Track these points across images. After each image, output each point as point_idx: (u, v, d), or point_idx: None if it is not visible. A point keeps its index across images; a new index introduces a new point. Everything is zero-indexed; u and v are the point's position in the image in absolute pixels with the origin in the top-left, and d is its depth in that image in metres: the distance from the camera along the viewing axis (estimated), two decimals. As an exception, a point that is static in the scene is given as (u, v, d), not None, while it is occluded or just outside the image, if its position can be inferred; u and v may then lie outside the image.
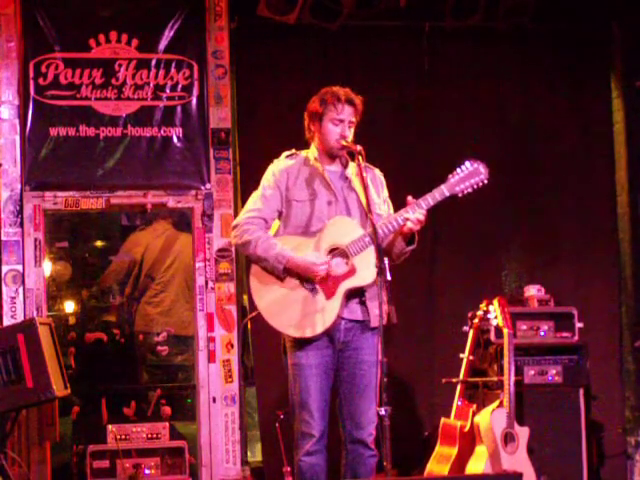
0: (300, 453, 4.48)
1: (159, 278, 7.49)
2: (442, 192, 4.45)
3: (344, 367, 4.52)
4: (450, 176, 4.47)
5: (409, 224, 4.40)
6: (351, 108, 4.52)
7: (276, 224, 4.61)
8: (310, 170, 4.59)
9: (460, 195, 4.47)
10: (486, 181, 4.48)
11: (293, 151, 4.68)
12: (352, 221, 4.49)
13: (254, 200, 4.62)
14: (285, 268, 4.43)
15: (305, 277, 4.42)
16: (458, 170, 4.47)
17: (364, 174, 4.40)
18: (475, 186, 4.47)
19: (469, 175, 4.47)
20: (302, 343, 4.46)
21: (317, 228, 4.50)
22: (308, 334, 4.41)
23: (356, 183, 4.52)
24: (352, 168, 4.58)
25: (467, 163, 4.49)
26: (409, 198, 4.45)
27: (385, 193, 4.70)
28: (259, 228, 4.53)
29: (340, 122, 4.52)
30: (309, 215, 4.52)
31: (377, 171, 4.73)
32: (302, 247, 4.48)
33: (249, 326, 6.38)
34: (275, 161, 4.68)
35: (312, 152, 4.63)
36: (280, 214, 4.60)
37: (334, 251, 4.45)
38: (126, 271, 7.60)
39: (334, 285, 4.41)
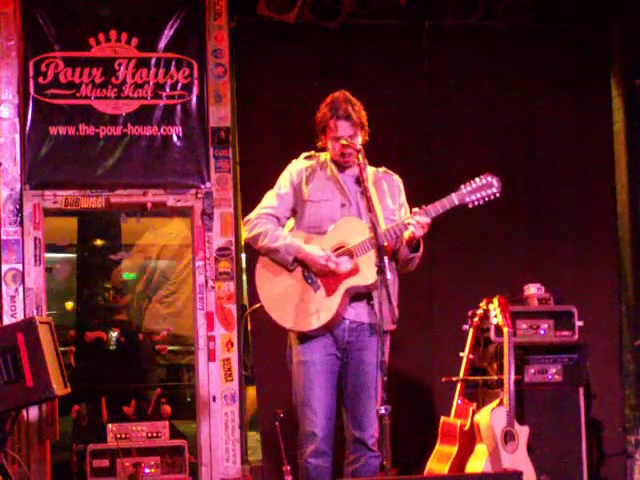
0: (305, 453, 4.48)
1: (173, 278, 7.51)
2: (452, 201, 4.46)
3: (349, 367, 4.53)
4: (462, 186, 4.49)
5: (411, 228, 4.40)
6: (346, 122, 4.53)
7: (290, 222, 4.65)
8: (326, 172, 4.63)
9: (470, 206, 4.48)
10: (498, 195, 4.49)
11: (312, 152, 4.72)
12: (361, 222, 4.50)
13: (269, 198, 4.67)
14: (295, 259, 4.46)
15: (312, 269, 4.45)
16: (471, 181, 4.48)
17: (363, 173, 4.41)
18: (487, 198, 4.49)
19: (481, 187, 4.48)
20: (307, 340, 4.48)
21: (329, 228, 4.53)
22: (305, 328, 4.44)
23: (370, 188, 4.51)
24: (368, 172, 4.58)
25: (482, 175, 4.49)
26: (414, 209, 4.46)
27: (402, 198, 4.72)
28: (269, 222, 4.56)
29: (338, 139, 4.54)
30: (322, 216, 4.56)
31: (396, 177, 4.76)
32: (311, 243, 4.51)
33: (249, 326, 6.38)
34: (293, 161, 4.73)
35: (329, 155, 4.66)
36: (294, 213, 4.63)
37: (340, 249, 4.47)
38: (140, 268, 7.62)
39: (336, 283, 4.43)
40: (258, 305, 4.71)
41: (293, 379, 4.55)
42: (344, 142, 4.51)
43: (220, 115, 6.47)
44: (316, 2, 6.35)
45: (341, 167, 4.63)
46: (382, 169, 4.71)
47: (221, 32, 6.47)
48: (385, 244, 4.32)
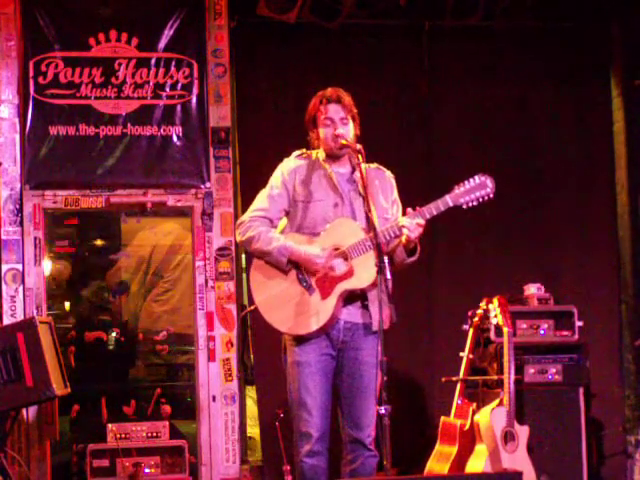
0: (301, 453, 4.46)
1: (167, 276, 7.51)
2: (446, 202, 4.42)
3: (344, 367, 4.52)
4: (456, 187, 4.45)
5: (405, 231, 4.38)
6: (337, 105, 4.52)
7: (283, 223, 4.62)
8: (319, 171, 4.59)
9: (465, 207, 4.44)
10: (492, 196, 4.45)
11: (303, 151, 4.68)
12: (355, 224, 4.48)
13: (261, 199, 4.62)
14: (289, 260, 4.44)
15: (306, 270, 4.43)
16: (465, 182, 4.45)
17: (363, 174, 4.40)
18: (480, 199, 4.44)
19: (475, 188, 4.43)
20: (301, 341, 4.47)
21: (322, 229, 4.51)
22: (300, 332, 4.43)
23: (362, 187, 4.49)
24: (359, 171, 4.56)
25: (475, 176, 4.47)
26: (408, 210, 4.44)
27: (394, 195, 4.69)
28: (262, 225, 4.54)
29: (331, 121, 4.52)
30: (315, 216, 4.52)
31: (388, 173, 4.72)
32: (304, 245, 4.48)
33: (249, 325, 6.38)
34: (285, 160, 4.68)
35: (321, 153, 4.64)
36: (287, 213, 4.61)
37: (334, 252, 4.45)
38: (133, 268, 7.62)
39: (330, 285, 4.42)
40: (252, 307, 4.70)
41: (288, 380, 4.53)
42: (343, 142, 4.48)
43: (220, 115, 6.47)
44: (316, 2, 6.35)
45: (334, 158, 4.58)
46: (374, 165, 4.67)
47: (221, 32, 6.48)
48: None
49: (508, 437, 5.47)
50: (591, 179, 6.96)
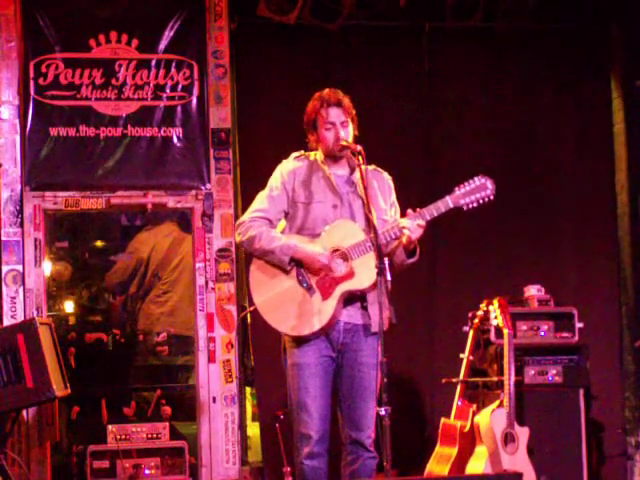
0: (301, 455, 4.47)
1: (165, 278, 7.50)
2: (446, 203, 4.44)
3: (344, 368, 4.52)
4: (456, 188, 4.46)
5: (406, 231, 4.39)
6: (338, 109, 4.53)
7: (282, 224, 4.62)
8: (317, 173, 4.60)
9: (465, 209, 4.46)
10: (492, 197, 4.47)
11: (302, 152, 4.69)
12: (355, 225, 4.49)
13: (260, 200, 4.63)
14: (291, 259, 4.44)
15: (308, 269, 4.43)
16: (465, 183, 4.46)
17: (364, 174, 4.40)
18: (480, 201, 4.46)
19: (475, 189, 4.46)
20: (301, 343, 4.47)
21: (321, 231, 4.51)
22: (301, 333, 4.43)
23: (362, 189, 4.50)
24: (359, 173, 4.57)
25: (475, 178, 4.48)
26: (409, 211, 4.45)
27: (393, 197, 4.70)
28: (262, 225, 4.54)
29: (332, 125, 4.53)
30: (314, 218, 4.53)
31: (385, 175, 4.73)
32: (307, 244, 4.48)
33: (249, 326, 6.38)
34: (283, 162, 4.68)
35: (320, 155, 4.64)
36: (286, 215, 4.61)
37: (335, 253, 4.45)
38: (132, 269, 7.62)
39: (331, 286, 4.42)
40: (252, 308, 4.70)
41: (288, 381, 4.54)
42: (344, 143, 4.50)
43: (220, 116, 6.47)
44: (316, 3, 6.36)
45: (333, 160, 4.59)
46: (372, 167, 4.67)
47: (221, 33, 6.48)
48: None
49: (508, 438, 5.48)
50: (591, 180, 6.96)
